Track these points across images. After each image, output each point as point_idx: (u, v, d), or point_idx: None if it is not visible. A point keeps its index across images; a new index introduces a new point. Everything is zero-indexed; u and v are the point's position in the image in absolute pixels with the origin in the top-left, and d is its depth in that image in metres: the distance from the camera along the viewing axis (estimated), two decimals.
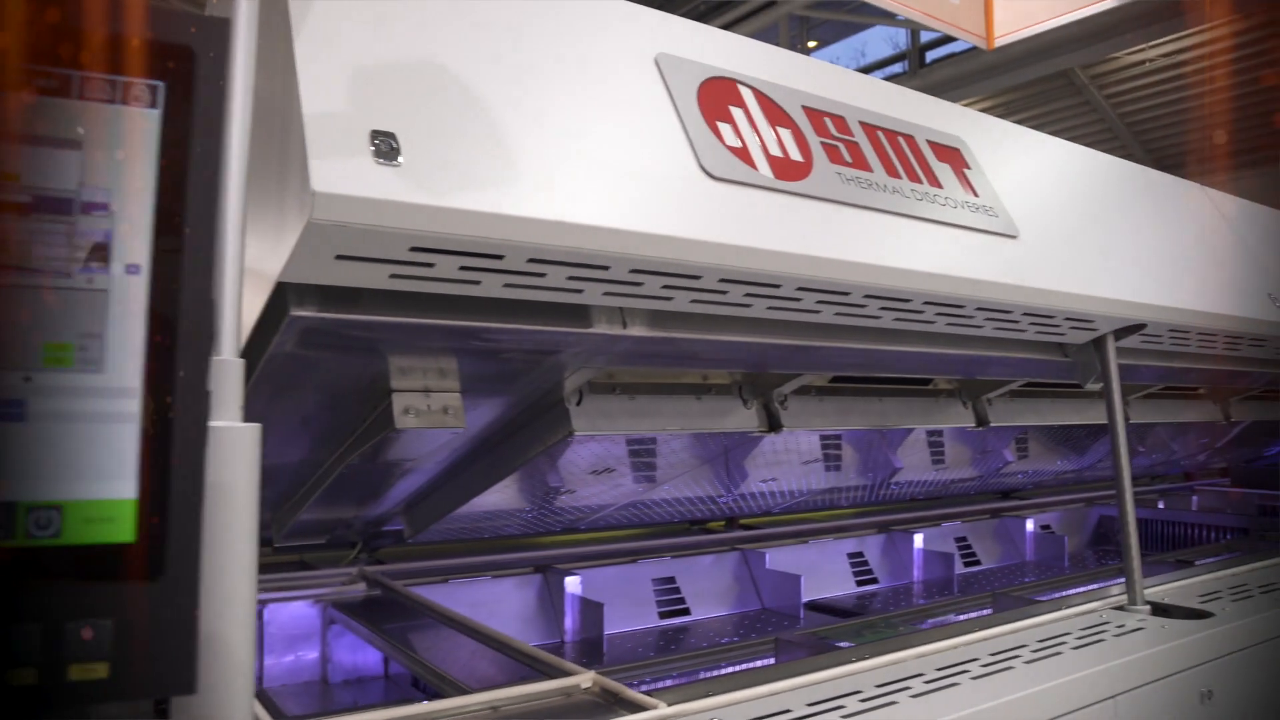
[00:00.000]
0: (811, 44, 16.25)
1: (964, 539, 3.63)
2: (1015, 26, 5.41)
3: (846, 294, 1.52)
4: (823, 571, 3.19)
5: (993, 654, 1.71)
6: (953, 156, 1.86)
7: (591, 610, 2.55)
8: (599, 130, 1.32)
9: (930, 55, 15.10)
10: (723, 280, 1.39)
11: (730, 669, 2.24)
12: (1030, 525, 3.76)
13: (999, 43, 5.33)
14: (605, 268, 1.28)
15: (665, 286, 1.37)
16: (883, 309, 1.61)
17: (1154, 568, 2.83)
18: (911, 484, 3.40)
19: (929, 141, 1.83)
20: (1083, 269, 1.94)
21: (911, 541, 3.34)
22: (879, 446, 2.95)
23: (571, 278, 1.29)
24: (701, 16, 12.55)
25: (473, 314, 1.34)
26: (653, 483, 2.38)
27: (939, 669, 1.62)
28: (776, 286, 1.44)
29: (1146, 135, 14.33)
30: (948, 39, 14.31)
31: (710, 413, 1.94)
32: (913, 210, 1.63)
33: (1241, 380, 3.13)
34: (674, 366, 1.84)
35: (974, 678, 1.57)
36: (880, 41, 16.98)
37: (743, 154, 1.46)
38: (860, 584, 3.24)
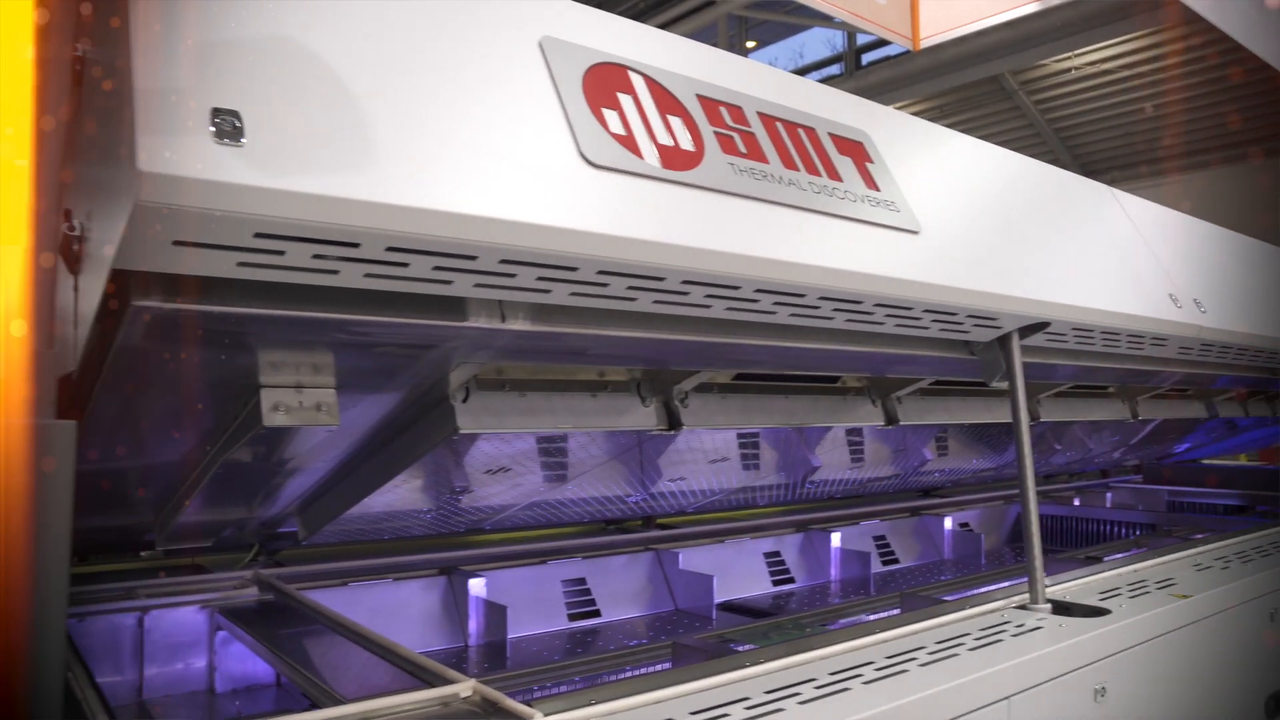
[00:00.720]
0: (750, 44, 16.32)
1: (883, 537, 3.62)
2: (941, 28, 5.43)
3: (736, 288, 1.47)
4: (738, 571, 3.14)
5: (889, 657, 1.67)
6: (855, 150, 1.82)
7: (495, 613, 2.48)
8: (470, 114, 1.25)
9: (866, 58, 15.27)
10: (602, 273, 1.32)
11: (628, 674, 2.18)
12: (949, 523, 3.76)
13: (925, 44, 5.35)
14: (472, 258, 1.21)
15: (541, 279, 1.31)
16: (777, 304, 1.56)
17: (1063, 565, 2.83)
18: (830, 483, 3.37)
19: (831, 135, 1.79)
20: (986, 266, 1.91)
21: (829, 540, 3.31)
22: (796, 445, 2.92)
23: (437, 268, 1.21)
24: (640, 15, 12.50)
25: (335, 306, 1.26)
26: (555, 482, 2.31)
27: (832, 673, 1.57)
28: (660, 280, 1.38)
29: (1072, 140, 14.64)
30: (884, 42, 14.46)
31: (606, 410, 1.88)
32: (809, 203, 1.58)
33: (1147, 379, 3.16)
34: (564, 362, 1.78)
35: (866, 682, 1.53)
36: (818, 44, 17.10)
37: (628, 142, 1.40)
38: (777, 583, 3.21)
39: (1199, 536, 3.72)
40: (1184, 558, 2.66)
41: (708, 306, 1.51)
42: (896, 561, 3.60)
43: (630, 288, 1.39)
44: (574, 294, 1.37)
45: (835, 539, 3.31)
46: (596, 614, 2.77)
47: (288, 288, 1.21)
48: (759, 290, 1.50)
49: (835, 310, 1.66)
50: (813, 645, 1.73)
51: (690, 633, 2.54)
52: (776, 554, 3.27)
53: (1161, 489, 4.77)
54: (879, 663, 1.63)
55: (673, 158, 1.44)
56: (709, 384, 2.06)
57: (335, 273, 1.18)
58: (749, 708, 1.40)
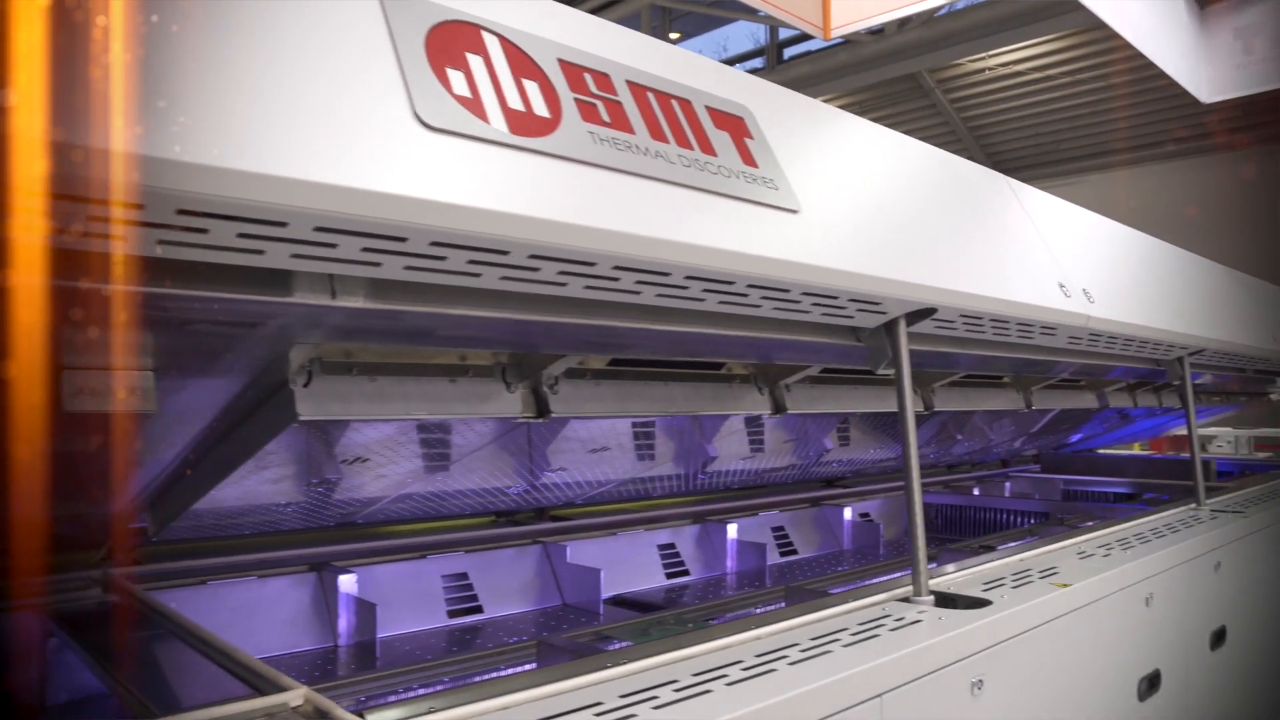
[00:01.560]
0: (674, 36, 16.27)
1: (781, 529, 3.56)
2: (852, 18, 5.40)
3: (592, 265, 1.36)
4: (631, 564, 3.05)
5: (760, 655, 1.59)
6: (734, 125, 1.72)
7: (365, 611, 2.34)
8: (283, 69, 1.11)
9: (788, 52, 15.35)
10: (437, 244, 1.20)
11: (491, 675, 2.06)
12: (849, 514, 3.72)
13: (836, 33, 5.32)
14: (281, 224, 1.08)
15: (367, 250, 1.18)
16: (640, 283, 1.46)
17: (953, 555, 2.80)
18: (728, 473, 3.30)
19: (708, 108, 1.69)
20: (871, 249, 1.83)
21: (725, 532, 3.24)
22: (691, 434, 2.83)
23: (244, 235, 1.08)
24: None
25: (134, 278, 1.12)
26: (425, 473, 2.18)
27: (696, 674, 1.48)
28: (504, 254, 1.27)
29: (986, 139, 14.91)
30: (806, 36, 14.53)
31: (467, 397, 1.76)
32: (677, 177, 1.48)
33: (1041, 370, 3.14)
34: (411, 344, 1.65)
35: (731, 683, 1.44)
36: (742, 37, 17.14)
37: (472, 104, 1.28)
38: (670, 576, 3.12)
39: (1088, 524, 3.75)
40: (1069, 546, 2.64)
41: (563, 284, 1.40)
42: (795, 553, 3.55)
43: (471, 262, 1.27)
44: (409, 268, 1.25)
45: (731, 530, 3.24)
46: (478, 610, 2.65)
47: (81, 255, 1.07)
48: (618, 268, 1.39)
49: (706, 291, 1.56)
50: (683, 644, 1.63)
51: (575, 629, 2.44)
52: (671, 546, 3.19)
53: (1058, 478, 4.82)
54: (747, 662, 1.55)
55: (524, 123, 1.33)
56: (581, 369, 1.95)
57: (122, 239, 1.04)
58: (599, 714, 1.30)
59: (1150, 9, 9.01)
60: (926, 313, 2.03)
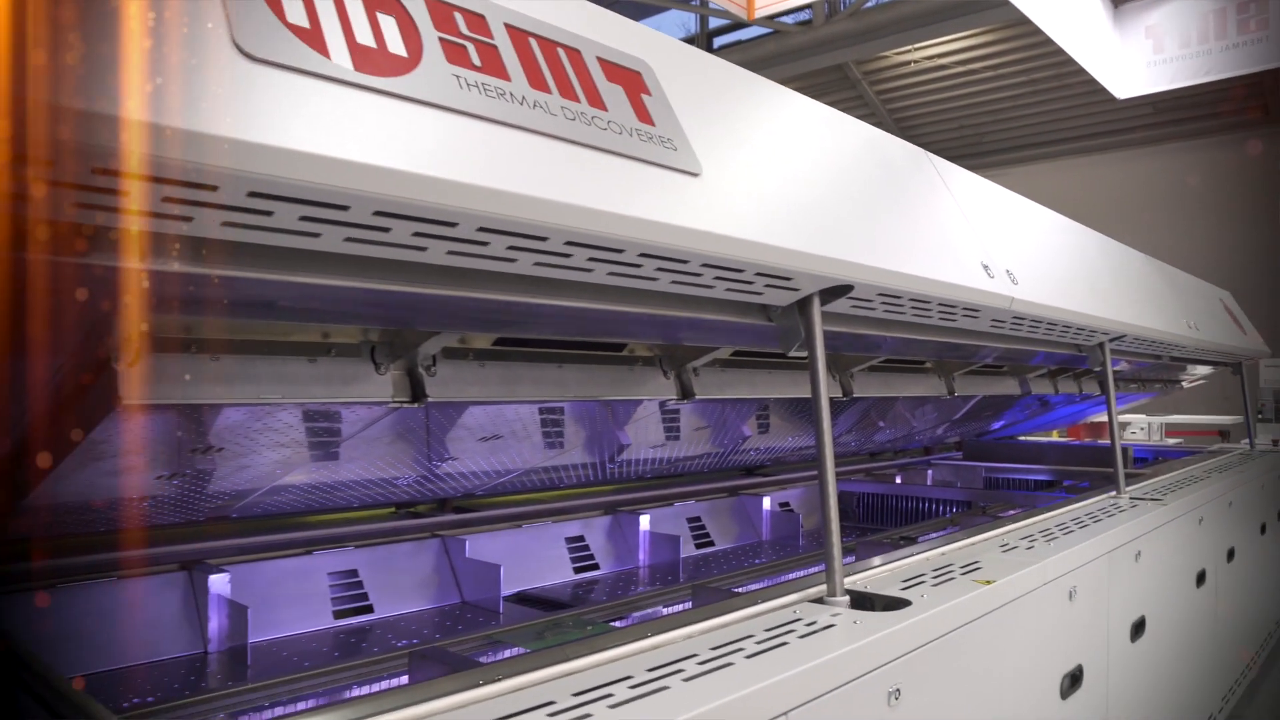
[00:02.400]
0: None
1: (698, 519, 3.40)
2: (776, 1, 5.25)
3: (452, 225, 1.16)
4: (537, 558, 2.86)
5: (653, 669, 1.41)
6: (630, 80, 1.53)
7: (237, 614, 2.12)
8: None
9: (718, 41, 15.21)
10: (256, 195, 0.99)
11: (359, 690, 1.86)
12: (768, 503, 3.58)
13: (759, 14, 5.16)
14: (51, 163, 0.86)
15: (170, 200, 0.97)
16: (513, 249, 1.26)
17: (872, 548, 2.66)
18: (642, 462, 3.12)
19: (601, 59, 1.49)
20: (781, 220, 1.66)
21: (638, 523, 3.06)
22: (601, 420, 2.64)
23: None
24: None
25: None
26: (297, 464, 1.96)
27: (578, 693, 1.29)
28: (344, 208, 1.06)
29: (912, 131, 14.95)
30: (736, 26, 14.42)
31: (328, 378, 1.54)
32: (557, 130, 1.29)
33: (964, 355, 3.02)
34: (248, 316, 1.42)
35: (615, 704, 1.26)
36: (673, 26, 16.97)
37: (310, 35, 1.07)
38: (579, 571, 2.94)
39: (1011, 513, 3.66)
40: (991, 538, 2.52)
41: (421, 249, 1.20)
42: (711, 544, 3.39)
43: (305, 219, 1.06)
44: (227, 224, 1.04)
45: (644, 522, 3.07)
46: (368, 610, 2.44)
47: None
48: (485, 229, 1.19)
49: (593, 260, 1.37)
50: (570, 655, 1.45)
51: (467, 631, 2.24)
52: (580, 539, 3.00)
53: (980, 465, 4.75)
54: (638, 677, 1.37)
55: (374, 61, 1.12)
56: (463, 349, 1.75)
57: None
58: None
59: (1069, 5, 9.06)
60: (842, 290, 1.87)
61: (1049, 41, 11.61)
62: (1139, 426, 9.28)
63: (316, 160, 1.00)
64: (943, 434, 4.90)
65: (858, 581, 1.99)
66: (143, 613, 2.16)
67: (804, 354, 1.88)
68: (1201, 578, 3.63)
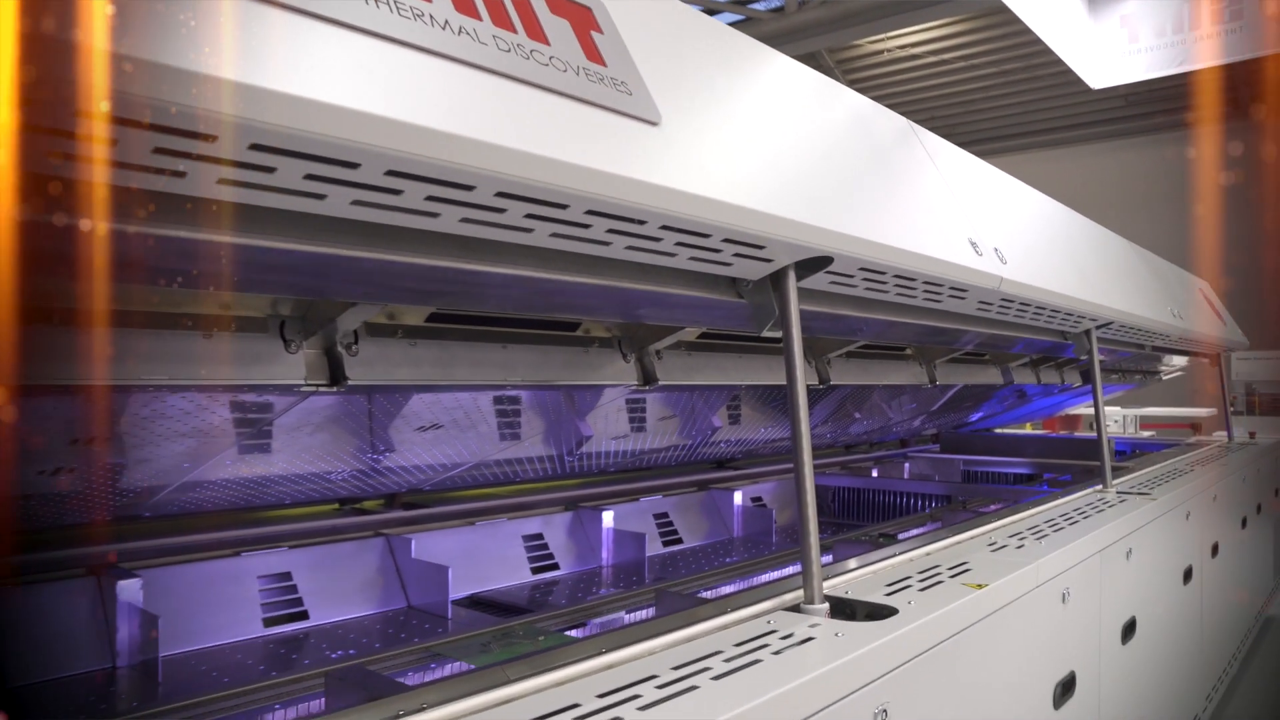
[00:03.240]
0: None
1: (665, 515, 3.19)
2: None
3: (354, 167, 0.94)
4: (491, 558, 2.64)
5: (604, 694, 1.20)
6: (578, 15, 1.32)
7: (148, 624, 1.89)
8: None
9: None
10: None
11: (269, 717, 1.64)
12: (739, 498, 3.38)
13: None
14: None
15: (161, 150, 0.76)
16: (432, 200, 1.05)
17: (851, 547, 2.47)
18: (606, 454, 2.91)
19: None
20: (752, 180, 1.46)
21: (600, 520, 2.86)
22: (561, 409, 2.43)
23: None
24: None
25: None
26: (201, 457, 1.73)
27: None
28: (211, 139, 0.84)
29: None
30: (709, 11, 14.15)
31: (228, 357, 1.32)
32: (484, 60, 1.07)
33: (946, 340, 2.84)
34: (138, 281, 1.19)
35: None
36: None
37: None
38: (537, 571, 2.73)
39: (993, 508, 3.48)
40: (978, 536, 2.33)
41: (320, 197, 0.98)
42: (679, 542, 3.19)
43: (160, 151, 0.84)
44: (226, 181, 0.82)
45: (607, 518, 2.86)
46: (303, 617, 2.21)
47: None
48: (393, 173, 0.97)
49: (531, 218, 1.16)
50: (512, 676, 1.24)
51: (405, 644, 2.03)
52: (539, 537, 2.79)
53: (957, 458, 4.58)
54: (586, 706, 1.16)
55: None
56: (391, 325, 1.53)
57: None
58: None
59: None
60: (821, 263, 1.67)
61: (1022, 32, 11.51)
62: (1113, 419, 9.18)
63: (164, 71, 0.78)
64: (919, 426, 4.73)
65: (838, 586, 1.79)
66: (44, 623, 1.93)
67: (778, 335, 1.67)
68: (1188, 574, 3.47)
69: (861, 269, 1.77)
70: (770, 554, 2.88)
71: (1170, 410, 9.43)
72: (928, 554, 2.11)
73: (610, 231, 1.26)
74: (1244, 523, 4.71)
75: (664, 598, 2.01)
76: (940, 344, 2.95)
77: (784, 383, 2.45)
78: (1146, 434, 8.50)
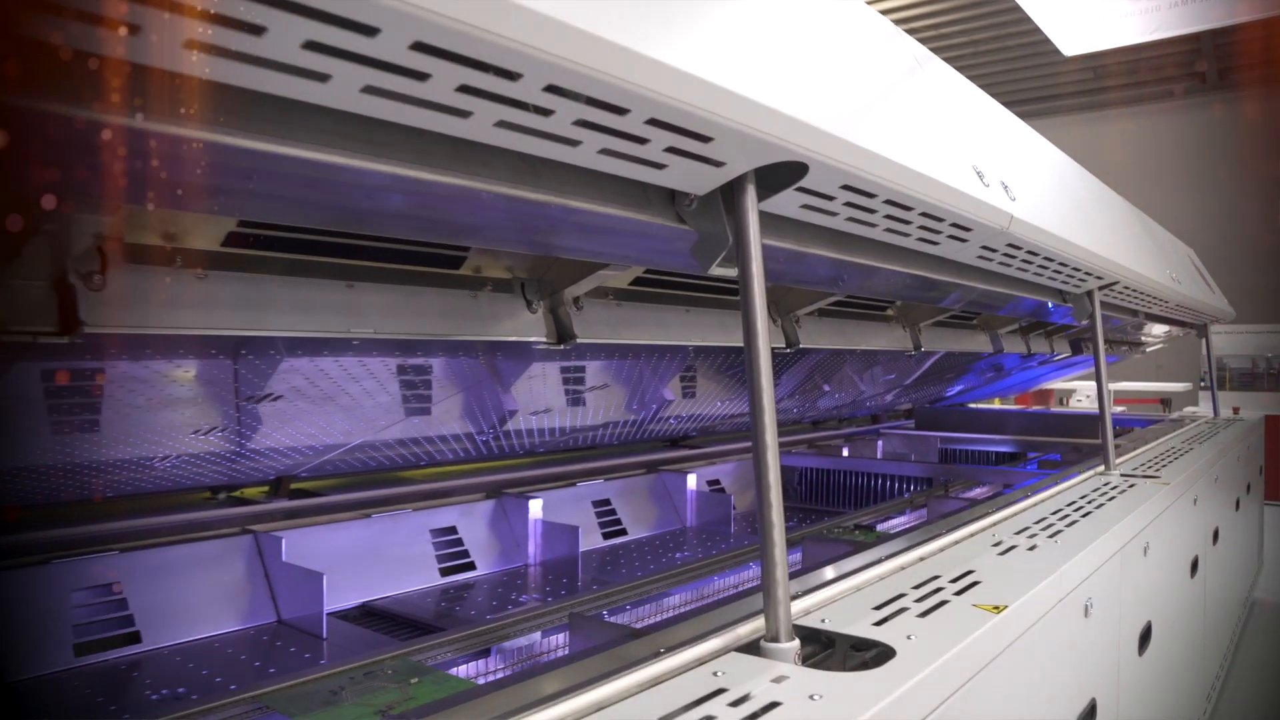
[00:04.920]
0: None
1: (606, 503, 2.73)
2: None
3: None
4: (392, 558, 2.17)
5: None
6: None
7: None
8: None
9: None
10: None
11: None
12: (693, 482, 2.92)
13: None
14: None
15: None
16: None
17: (825, 546, 2.02)
18: (537, 432, 2.43)
19: None
20: (696, 41, 0.98)
21: (527, 509, 2.38)
22: (479, 378, 1.95)
23: None
24: None
25: None
26: None
27: None
28: None
29: None
30: None
31: None
32: None
33: (935, 295, 2.38)
34: None
35: None
36: None
37: None
38: (449, 572, 2.25)
39: (978, 492, 3.06)
40: (979, 533, 1.89)
41: None
42: (624, 533, 2.72)
43: None
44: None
45: (535, 508, 2.39)
46: (134, 640, 1.73)
47: None
48: None
49: (319, 51, 0.67)
50: None
51: (280, 669, 1.55)
52: (452, 531, 2.32)
53: (934, 435, 4.15)
54: None
55: None
56: (169, 249, 1.04)
57: None
58: None
59: None
60: (791, 174, 1.20)
61: (993, 0, 11.10)
62: (1084, 395, 8.85)
63: None
64: (893, 400, 4.30)
65: (811, 609, 1.33)
66: None
67: (732, 273, 1.20)
68: (1195, 566, 3.07)
69: (845, 187, 1.30)
70: (729, 550, 2.43)
71: (1145, 385, 9.11)
72: (921, 559, 1.66)
73: (464, 91, 0.77)
74: (1237, 505, 4.33)
75: (578, 624, 1.54)
76: (929, 300, 2.48)
77: (725, 341, 1.98)
78: (1119, 409, 8.17)
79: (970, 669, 1.21)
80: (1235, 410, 5.78)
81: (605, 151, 0.98)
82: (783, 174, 1.21)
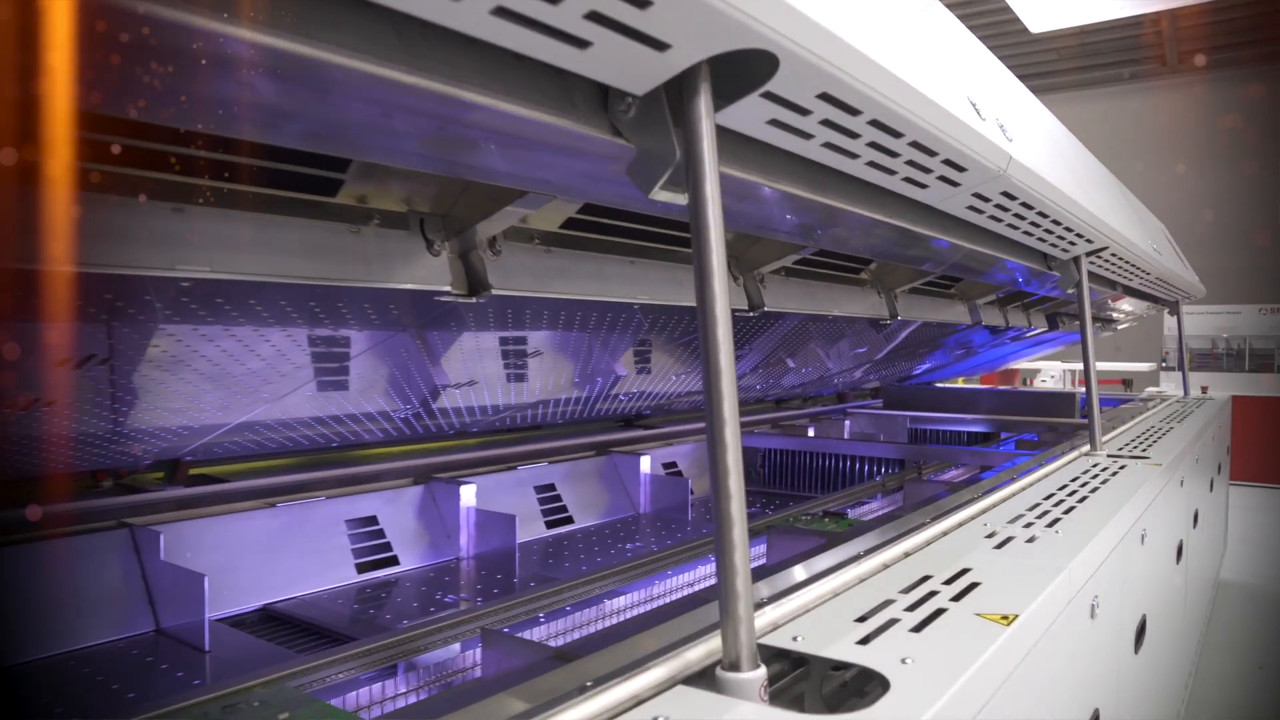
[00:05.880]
0: None
1: (551, 488, 2.45)
2: None
3: None
4: (299, 553, 1.88)
5: None
6: None
7: None
8: None
9: None
10: None
11: None
12: (647, 465, 2.65)
13: None
14: None
15: None
16: None
17: (792, 538, 1.77)
18: (473, 410, 2.15)
19: None
20: None
21: (458, 496, 2.11)
22: (387, 343, 1.66)
23: None
24: None
25: None
26: None
27: None
28: None
29: None
30: None
31: None
32: None
33: (917, 253, 2.11)
34: None
35: None
36: None
37: None
38: (366, 569, 1.97)
39: (953, 474, 2.83)
40: (970, 522, 1.64)
41: None
42: (569, 521, 2.45)
43: None
44: None
45: (467, 494, 2.11)
46: None
47: None
48: None
49: None
50: None
51: (151, 691, 1.27)
52: (372, 521, 2.03)
53: (903, 415, 3.92)
54: None
55: None
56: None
57: None
58: None
59: None
60: (756, 74, 0.93)
61: None
62: (1049, 374, 8.71)
63: None
64: (862, 376, 4.06)
65: (779, 623, 1.07)
66: None
67: (681, 198, 0.93)
68: (1180, 551, 2.87)
69: (824, 98, 1.03)
70: (685, 541, 2.16)
71: (1111, 365, 8.98)
72: (907, 553, 1.41)
73: None
74: (1211, 485, 4.16)
75: (492, 640, 1.27)
76: (909, 261, 2.22)
77: (678, 300, 1.72)
78: (1081, 390, 8.03)
79: (979, 699, 0.96)
80: (1204, 389, 5.63)
81: (501, 12, 0.70)
82: (745, 74, 0.94)
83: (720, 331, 0.89)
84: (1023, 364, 8.08)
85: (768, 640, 0.99)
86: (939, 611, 1.10)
